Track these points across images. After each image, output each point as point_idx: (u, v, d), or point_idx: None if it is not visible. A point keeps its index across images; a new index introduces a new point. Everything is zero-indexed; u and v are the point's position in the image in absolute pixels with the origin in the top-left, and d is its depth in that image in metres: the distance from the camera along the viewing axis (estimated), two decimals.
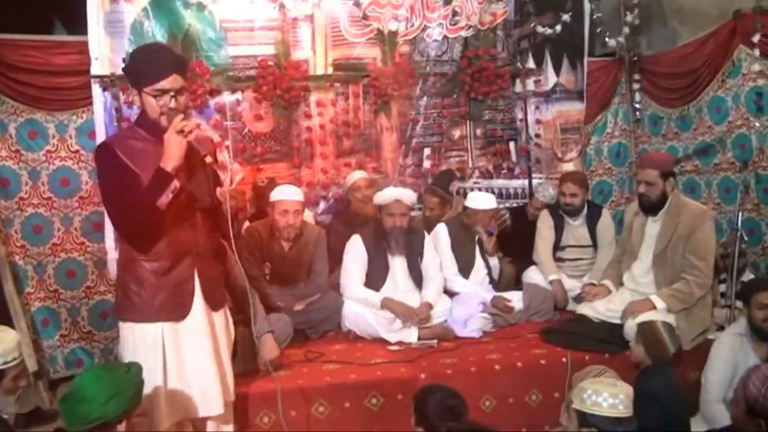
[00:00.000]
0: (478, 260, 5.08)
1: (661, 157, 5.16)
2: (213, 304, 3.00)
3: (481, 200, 5.06)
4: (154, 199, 2.69)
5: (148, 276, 2.84)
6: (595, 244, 5.26)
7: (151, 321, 2.84)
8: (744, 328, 3.74)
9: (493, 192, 5.99)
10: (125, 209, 2.75)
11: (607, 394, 2.64)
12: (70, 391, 2.46)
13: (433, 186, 5.75)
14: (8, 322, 4.51)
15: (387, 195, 4.74)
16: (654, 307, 4.16)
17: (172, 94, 2.79)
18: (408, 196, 4.75)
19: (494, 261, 5.18)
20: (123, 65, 4.82)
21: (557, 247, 5.31)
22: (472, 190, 6.00)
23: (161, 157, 2.72)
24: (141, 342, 2.85)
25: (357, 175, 5.50)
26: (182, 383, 2.88)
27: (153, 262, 2.84)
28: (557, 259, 5.31)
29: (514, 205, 6.16)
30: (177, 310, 2.88)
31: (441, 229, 5.06)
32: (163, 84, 2.77)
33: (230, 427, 3.19)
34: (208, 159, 2.81)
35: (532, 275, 5.24)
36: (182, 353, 2.89)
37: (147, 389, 2.68)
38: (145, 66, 2.81)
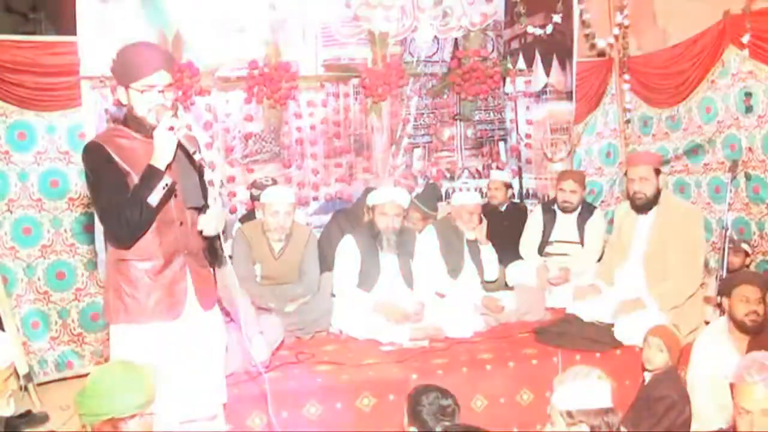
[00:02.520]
0: (468, 261, 5.09)
1: (651, 154, 5.28)
2: (205, 303, 2.99)
3: (465, 196, 5.14)
4: (144, 197, 2.68)
5: (142, 276, 2.82)
6: (581, 241, 5.29)
7: (145, 321, 2.83)
8: (723, 324, 3.76)
9: (481, 191, 6.04)
10: (116, 207, 2.71)
11: (590, 389, 2.65)
12: (87, 384, 2.49)
13: (416, 201, 5.51)
14: None
15: (381, 196, 4.74)
16: (644, 306, 4.19)
17: (160, 89, 2.79)
18: (402, 197, 4.75)
19: (488, 250, 5.17)
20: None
21: (546, 242, 5.36)
22: (460, 189, 6.01)
23: (150, 156, 2.71)
24: (135, 344, 2.83)
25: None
26: (177, 384, 2.86)
27: (146, 261, 2.82)
28: (545, 254, 5.36)
29: None
30: (171, 310, 2.87)
31: (429, 232, 5.06)
32: (151, 80, 2.76)
33: (224, 427, 3.19)
34: (197, 156, 2.79)
35: (516, 271, 5.27)
36: (177, 353, 2.88)
37: None
38: (132, 62, 2.79)
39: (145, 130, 2.79)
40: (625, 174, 5.00)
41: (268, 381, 3.46)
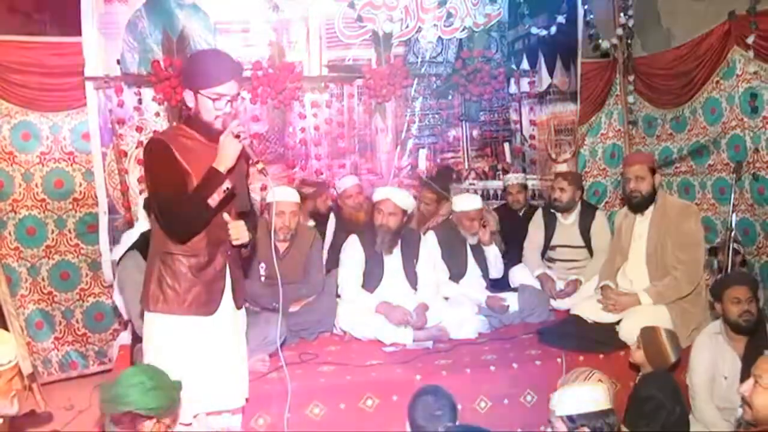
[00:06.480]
0: (471, 263, 5.08)
1: (645, 153, 5.53)
2: (237, 302, 3.10)
3: (466, 202, 5.08)
4: (205, 197, 2.78)
5: (186, 271, 2.92)
6: (586, 245, 5.25)
7: (180, 314, 2.92)
8: (719, 326, 3.74)
9: (488, 193, 6.03)
10: (176, 205, 2.81)
11: (587, 391, 2.64)
12: (121, 375, 2.57)
13: (429, 181, 5.77)
14: (2, 324, 4.50)
15: (380, 193, 4.76)
16: (639, 303, 4.24)
17: (228, 98, 2.88)
18: (400, 197, 4.72)
19: (493, 251, 5.15)
20: (116, 64, 4.91)
21: (547, 246, 5.34)
22: (467, 191, 6.00)
23: (210, 158, 2.81)
24: (168, 333, 2.93)
25: (348, 182, 5.51)
26: (205, 376, 2.95)
27: (191, 257, 2.92)
28: (548, 259, 5.34)
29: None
30: (207, 306, 2.97)
31: (430, 237, 5.05)
32: (222, 88, 2.85)
33: (240, 422, 3.29)
34: (260, 165, 2.88)
35: (518, 273, 5.26)
36: (207, 347, 2.97)
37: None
38: (206, 69, 2.88)
39: (210, 135, 2.89)
40: (622, 175, 5.01)
41: (271, 381, 3.49)
